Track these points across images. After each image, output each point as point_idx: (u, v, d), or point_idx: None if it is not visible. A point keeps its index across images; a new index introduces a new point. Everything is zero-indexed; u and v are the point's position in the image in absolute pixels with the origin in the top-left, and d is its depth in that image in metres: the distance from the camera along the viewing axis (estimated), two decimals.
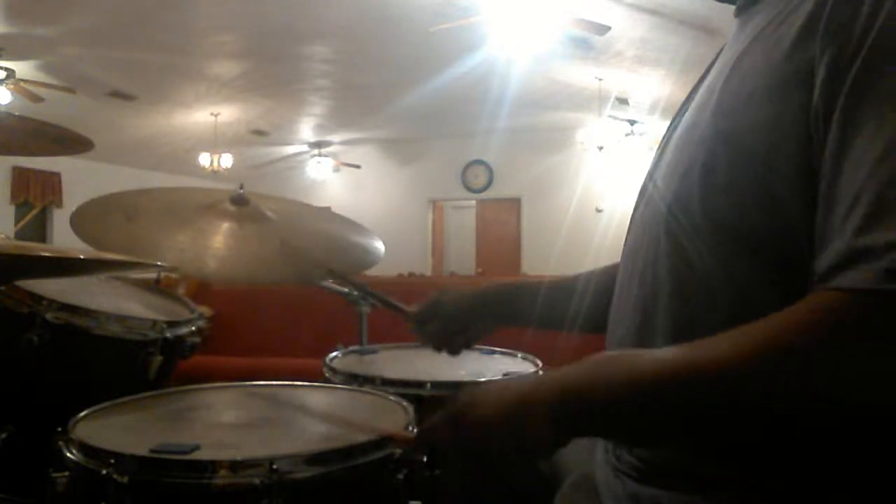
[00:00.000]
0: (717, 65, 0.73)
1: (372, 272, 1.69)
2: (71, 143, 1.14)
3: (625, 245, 0.79)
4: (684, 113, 0.75)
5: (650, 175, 0.77)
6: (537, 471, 0.92)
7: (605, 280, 0.90)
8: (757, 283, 0.59)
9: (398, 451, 0.84)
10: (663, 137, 0.80)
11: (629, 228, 0.80)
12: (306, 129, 9.86)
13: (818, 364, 0.48)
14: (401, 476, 0.84)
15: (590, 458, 0.82)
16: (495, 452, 0.62)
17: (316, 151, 10.59)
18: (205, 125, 8.72)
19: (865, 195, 0.49)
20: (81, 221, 1.30)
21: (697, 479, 0.62)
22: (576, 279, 1.03)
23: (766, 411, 0.51)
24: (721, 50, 0.77)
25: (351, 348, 1.48)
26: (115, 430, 0.88)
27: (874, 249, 0.47)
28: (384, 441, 0.84)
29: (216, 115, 8.46)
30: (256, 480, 0.73)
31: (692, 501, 0.62)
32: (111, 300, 1.37)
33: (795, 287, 0.53)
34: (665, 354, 0.56)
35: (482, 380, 1.25)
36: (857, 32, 0.52)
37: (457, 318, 1.10)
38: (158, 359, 1.27)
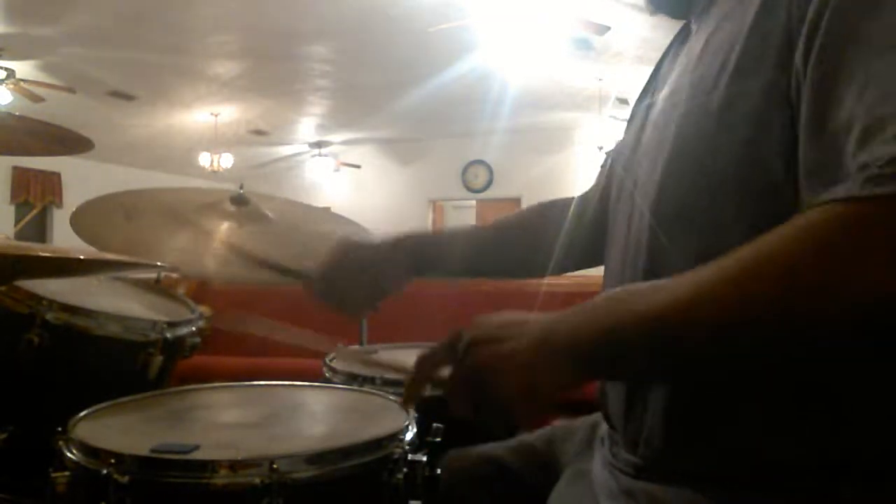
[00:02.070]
0: (685, 50, 0.74)
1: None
2: (71, 143, 1.14)
3: (611, 227, 0.80)
4: (649, 99, 0.76)
5: (628, 160, 0.77)
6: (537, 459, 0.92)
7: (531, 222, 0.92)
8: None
9: (399, 450, 0.84)
10: (631, 123, 0.81)
11: (612, 214, 0.81)
12: (306, 129, 9.86)
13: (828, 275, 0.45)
14: (401, 476, 0.84)
15: (586, 452, 0.83)
16: (512, 394, 0.60)
17: (316, 151, 10.59)
18: (205, 125, 8.72)
19: (855, 123, 0.49)
20: (81, 221, 1.30)
21: (691, 474, 0.62)
22: (496, 227, 1.04)
23: (777, 333, 0.48)
24: (672, 41, 0.79)
25: (351, 348, 1.48)
26: (115, 430, 0.88)
27: (868, 164, 0.46)
28: (384, 441, 0.84)
29: (216, 115, 8.47)
30: (256, 480, 0.73)
31: (685, 495, 0.62)
32: (111, 300, 1.37)
33: None
34: (671, 293, 0.53)
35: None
36: None
37: (367, 269, 1.01)
38: (159, 359, 1.27)
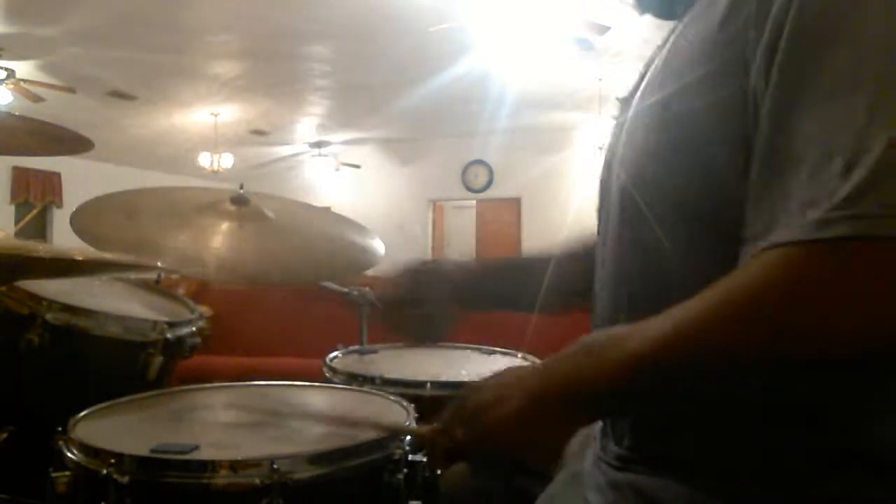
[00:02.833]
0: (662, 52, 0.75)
1: (372, 272, 1.69)
2: (71, 142, 1.14)
3: (598, 227, 0.81)
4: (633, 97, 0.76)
5: (608, 161, 0.78)
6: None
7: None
8: (706, 256, 0.60)
9: (399, 450, 0.84)
10: (616, 124, 0.82)
11: (598, 213, 0.81)
12: (306, 129, 9.85)
13: (794, 321, 0.48)
14: (401, 476, 0.84)
15: (580, 454, 0.83)
16: (512, 453, 0.64)
17: (316, 151, 10.59)
18: (205, 125, 8.72)
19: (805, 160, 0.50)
20: (81, 221, 1.30)
21: (674, 463, 0.63)
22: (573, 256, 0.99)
23: (748, 369, 0.51)
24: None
25: (351, 348, 1.48)
26: (115, 430, 0.88)
27: (815, 201, 0.48)
28: (385, 441, 0.84)
29: (216, 115, 8.46)
30: (256, 480, 0.74)
31: (668, 486, 0.62)
32: (111, 301, 1.37)
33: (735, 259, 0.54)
34: (647, 332, 0.55)
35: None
36: None
37: (455, 295, 0.98)
38: (159, 359, 1.27)
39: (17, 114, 1.08)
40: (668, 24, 0.79)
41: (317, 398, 1.13)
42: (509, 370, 0.68)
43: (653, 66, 0.73)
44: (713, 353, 0.51)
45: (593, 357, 0.60)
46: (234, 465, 0.75)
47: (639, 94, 0.73)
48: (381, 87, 7.50)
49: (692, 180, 0.61)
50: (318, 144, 10.47)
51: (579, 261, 0.94)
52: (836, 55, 0.51)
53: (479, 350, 1.51)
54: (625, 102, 0.78)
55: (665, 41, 0.74)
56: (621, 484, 0.67)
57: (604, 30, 4.98)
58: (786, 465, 0.58)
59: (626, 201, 0.69)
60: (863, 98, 0.49)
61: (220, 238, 1.37)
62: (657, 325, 0.54)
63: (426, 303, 0.97)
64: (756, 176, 0.54)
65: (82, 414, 0.92)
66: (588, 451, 0.80)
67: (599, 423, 0.79)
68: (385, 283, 1.02)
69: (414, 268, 1.00)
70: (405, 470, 0.85)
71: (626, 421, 0.69)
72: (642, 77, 0.76)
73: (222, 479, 0.74)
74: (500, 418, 0.63)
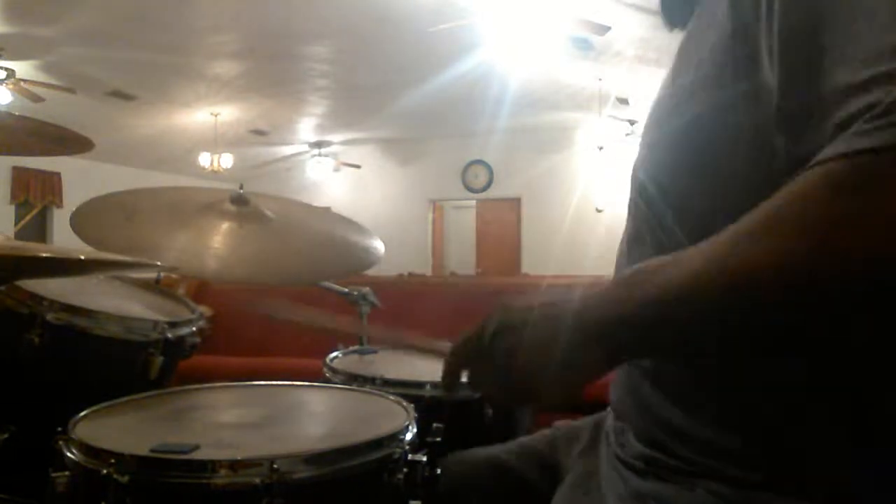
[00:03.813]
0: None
1: (372, 272, 1.69)
2: (71, 142, 1.14)
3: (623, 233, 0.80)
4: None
5: (634, 169, 0.79)
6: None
7: None
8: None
9: (399, 450, 0.84)
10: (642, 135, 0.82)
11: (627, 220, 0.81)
12: (306, 129, 9.86)
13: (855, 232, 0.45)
14: (401, 476, 0.84)
15: (591, 452, 0.82)
16: (545, 379, 0.59)
17: (316, 151, 10.59)
18: (205, 125, 8.72)
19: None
20: (81, 221, 1.30)
21: (700, 474, 0.62)
22: None
23: (806, 296, 0.48)
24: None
25: (351, 348, 1.48)
26: (115, 430, 0.88)
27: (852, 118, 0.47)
28: (385, 441, 0.84)
29: (216, 115, 8.47)
30: (256, 480, 0.73)
31: (694, 497, 0.62)
32: (112, 300, 1.37)
33: None
34: (693, 264, 0.52)
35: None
36: None
37: None
38: (159, 359, 1.27)
39: (17, 114, 1.08)
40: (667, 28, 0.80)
41: (317, 398, 1.13)
42: (542, 294, 0.62)
43: (665, 82, 0.73)
44: (761, 273, 0.48)
45: (636, 285, 0.56)
46: (234, 465, 0.75)
47: (654, 111, 0.74)
48: (381, 87, 7.50)
49: (710, 182, 0.61)
50: (318, 144, 10.47)
51: None
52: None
53: None
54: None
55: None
56: (645, 494, 0.66)
57: (604, 30, 4.99)
58: (819, 479, 0.58)
59: (644, 206, 0.69)
60: (884, 16, 0.48)
61: (220, 238, 1.37)
62: (697, 252, 0.52)
63: None
64: (786, 110, 0.53)
65: (82, 414, 0.92)
66: (601, 447, 0.80)
67: (610, 422, 0.78)
68: None
69: None
70: (405, 470, 0.85)
71: (661, 418, 0.66)
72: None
73: (222, 479, 0.74)
74: (530, 341, 0.59)
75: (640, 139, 0.78)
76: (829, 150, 0.47)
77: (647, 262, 0.57)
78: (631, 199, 0.74)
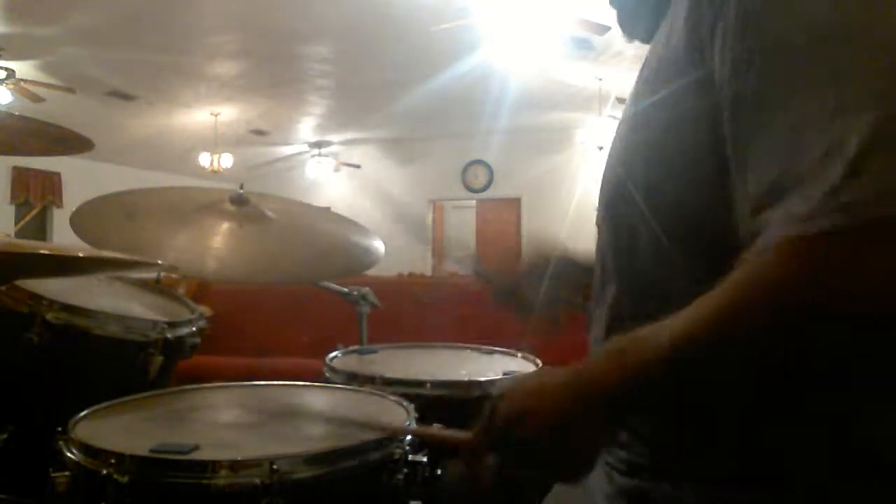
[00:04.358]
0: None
1: (372, 272, 1.69)
2: (71, 142, 1.14)
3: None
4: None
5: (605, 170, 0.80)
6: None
7: None
8: (687, 262, 0.61)
9: (399, 450, 0.84)
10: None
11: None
12: (306, 129, 9.85)
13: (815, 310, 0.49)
14: (401, 476, 0.84)
15: None
16: (551, 458, 0.62)
17: (316, 151, 10.59)
18: (205, 125, 8.72)
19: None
20: (81, 221, 1.30)
21: (683, 471, 0.63)
22: None
23: (773, 361, 0.52)
24: None
25: (351, 348, 1.48)
26: (115, 430, 0.88)
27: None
28: (385, 441, 0.84)
29: (216, 115, 8.46)
30: (256, 480, 0.73)
31: (678, 495, 0.62)
32: (111, 300, 1.37)
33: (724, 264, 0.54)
34: (675, 328, 0.56)
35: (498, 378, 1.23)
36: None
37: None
38: (159, 359, 1.27)
39: (17, 114, 1.08)
40: None
41: (317, 398, 1.13)
42: (537, 374, 0.67)
43: (636, 78, 0.75)
44: (746, 341, 0.51)
45: (624, 357, 0.59)
46: (234, 465, 0.75)
47: (626, 103, 0.76)
48: (381, 87, 7.50)
49: (672, 186, 0.62)
50: (318, 144, 10.47)
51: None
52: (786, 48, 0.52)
53: (479, 350, 1.51)
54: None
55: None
56: (630, 491, 0.67)
57: (604, 30, 4.98)
58: (798, 474, 0.58)
59: (614, 205, 0.71)
60: (830, 89, 0.49)
61: (220, 238, 1.37)
62: (683, 321, 0.54)
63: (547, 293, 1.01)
64: (736, 174, 0.55)
65: (82, 414, 0.92)
66: None
67: None
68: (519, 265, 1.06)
69: (549, 256, 1.04)
70: (405, 470, 0.85)
71: (638, 430, 0.68)
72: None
73: (222, 479, 0.74)
74: (536, 425, 0.62)
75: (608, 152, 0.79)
76: (777, 230, 0.50)
77: (631, 333, 0.61)
78: (607, 215, 0.74)
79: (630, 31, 0.83)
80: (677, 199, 0.62)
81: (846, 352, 0.50)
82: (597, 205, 0.80)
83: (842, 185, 0.47)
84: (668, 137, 0.62)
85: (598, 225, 0.78)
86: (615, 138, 0.75)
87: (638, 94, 0.69)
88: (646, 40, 0.80)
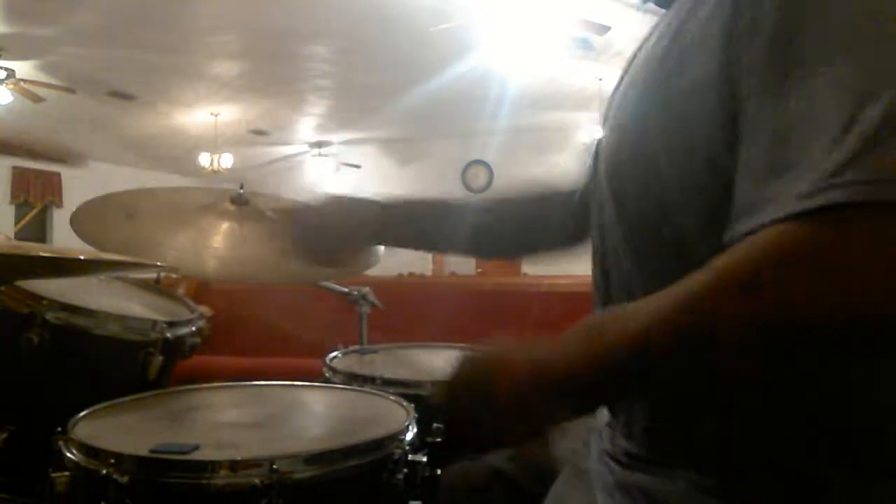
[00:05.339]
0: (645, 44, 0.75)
1: (372, 272, 1.69)
2: (64, 161, 1.14)
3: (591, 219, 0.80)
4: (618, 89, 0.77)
5: (596, 149, 0.79)
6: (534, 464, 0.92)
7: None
8: (694, 246, 0.59)
9: (399, 450, 0.84)
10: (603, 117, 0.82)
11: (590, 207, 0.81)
12: (306, 129, 9.85)
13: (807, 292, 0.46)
14: (401, 476, 0.84)
15: (583, 450, 0.83)
16: (503, 431, 0.61)
17: (316, 151, 10.59)
18: (205, 125, 8.72)
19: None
20: (81, 221, 1.30)
21: (682, 465, 0.63)
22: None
23: (747, 350, 0.50)
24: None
25: (351, 348, 1.48)
26: (115, 430, 0.88)
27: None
28: (385, 441, 0.84)
29: (216, 115, 8.46)
30: (256, 480, 0.73)
31: (676, 489, 0.62)
32: (111, 300, 1.37)
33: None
34: (639, 317, 0.54)
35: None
36: None
37: (357, 228, 1.04)
38: (159, 359, 1.27)
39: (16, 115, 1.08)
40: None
41: (317, 398, 1.13)
42: (508, 345, 0.64)
43: (636, 60, 0.73)
44: (716, 327, 0.49)
45: (596, 337, 0.57)
46: (234, 465, 0.75)
47: (623, 86, 0.73)
48: (381, 87, 7.50)
49: (677, 170, 0.60)
50: (318, 144, 10.47)
51: (548, 205, 0.98)
52: (815, 26, 0.50)
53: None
54: (611, 96, 0.78)
55: (649, 35, 0.74)
56: (630, 485, 0.67)
57: (604, 30, 4.98)
58: (799, 471, 0.58)
59: (613, 191, 0.69)
60: (846, 67, 0.48)
61: (220, 238, 1.37)
62: (657, 303, 0.53)
63: (339, 234, 1.04)
64: (746, 156, 0.53)
65: (82, 414, 0.92)
66: (592, 444, 0.80)
67: (605, 417, 0.79)
68: (303, 211, 1.09)
69: (332, 200, 1.07)
70: (405, 470, 0.85)
71: (635, 416, 0.68)
72: (626, 71, 0.76)
73: (222, 479, 0.74)
74: (496, 396, 0.60)
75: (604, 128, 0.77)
76: (773, 211, 0.48)
77: (606, 312, 0.60)
78: (609, 212, 0.72)
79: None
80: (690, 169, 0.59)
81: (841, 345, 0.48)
82: (591, 177, 0.78)
83: (847, 163, 0.44)
84: (688, 103, 0.59)
85: (597, 200, 0.75)
86: (620, 95, 0.72)
87: (648, 76, 0.66)
88: (662, 5, 0.79)
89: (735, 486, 0.60)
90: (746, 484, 0.60)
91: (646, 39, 0.74)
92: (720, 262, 0.50)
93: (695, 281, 0.51)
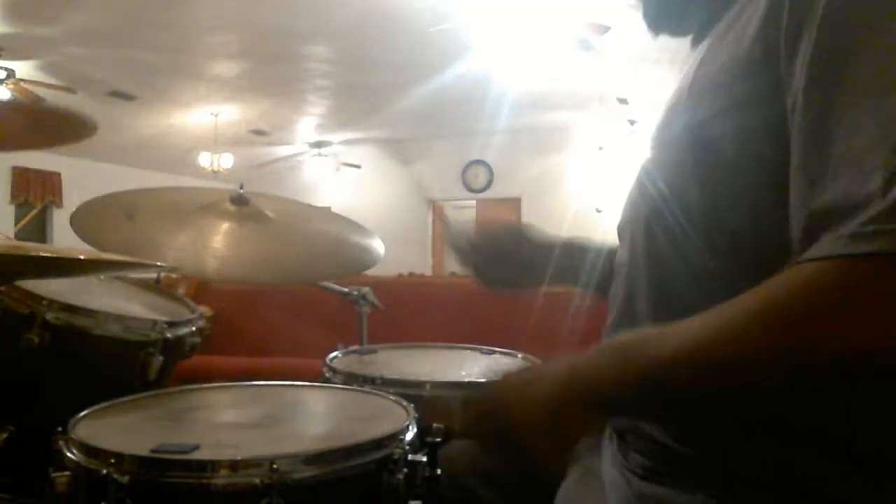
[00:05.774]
0: (685, 69, 0.74)
1: (372, 272, 1.69)
2: (71, 131, 1.14)
3: (618, 233, 0.81)
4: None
5: (640, 181, 0.78)
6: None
7: None
8: (731, 277, 0.58)
9: (399, 450, 0.84)
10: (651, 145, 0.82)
11: (620, 224, 0.82)
12: (306, 129, 9.85)
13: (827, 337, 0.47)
14: (401, 476, 0.84)
15: (593, 450, 0.82)
16: (531, 449, 0.62)
17: (316, 151, 10.59)
18: (205, 125, 8.72)
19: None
20: (81, 221, 1.30)
21: (704, 478, 0.62)
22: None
23: (774, 380, 0.50)
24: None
25: (351, 348, 1.48)
26: (115, 430, 0.88)
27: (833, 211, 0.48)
28: (385, 441, 0.84)
29: (216, 115, 8.46)
30: (256, 480, 0.73)
31: (696, 501, 0.62)
32: (111, 300, 1.37)
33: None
34: (674, 341, 0.54)
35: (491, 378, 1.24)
36: (818, 6, 0.52)
37: (533, 259, 1.05)
38: (159, 359, 1.27)
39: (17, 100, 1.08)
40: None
41: (317, 398, 1.13)
42: (535, 366, 0.68)
43: (679, 88, 0.72)
44: (747, 358, 0.50)
45: (625, 356, 0.58)
46: (234, 465, 0.75)
47: (663, 113, 0.73)
48: (381, 87, 7.50)
49: (725, 202, 0.60)
50: (318, 144, 10.47)
51: None
52: (865, 61, 0.50)
53: (479, 350, 1.51)
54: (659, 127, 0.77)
55: (691, 61, 0.74)
56: (648, 496, 0.67)
57: (604, 30, 4.99)
58: (816, 486, 0.58)
59: (654, 220, 0.69)
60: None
61: (220, 238, 1.37)
62: (689, 329, 0.53)
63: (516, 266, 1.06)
64: (794, 190, 0.53)
65: (82, 414, 0.92)
66: (605, 445, 0.80)
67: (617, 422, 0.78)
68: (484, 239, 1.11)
69: (512, 231, 1.10)
70: (405, 470, 0.85)
71: (652, 435, 0.68)
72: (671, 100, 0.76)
73: (222, 479, 0.74)
74: (524, 401, 0.62)
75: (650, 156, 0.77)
76: (815, 251, 0.48)
77: (636, 332, 0.60)
78: (640, 230, 0.72)
79: (663, 25, 0.79)
80: (733, 219, 0.60)
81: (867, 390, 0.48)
82: (624, 214, 0.79)
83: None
84: (738, 150, 0.59)
85: (626, 236, 0.76)
86: (656, 146, 0.72)
87: (693, 96, 0.66)
88: (677, 34, 0.79)
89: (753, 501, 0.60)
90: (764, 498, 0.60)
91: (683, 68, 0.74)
92: (764, 291, 0.50)
93: (737, 309, 0.51)
